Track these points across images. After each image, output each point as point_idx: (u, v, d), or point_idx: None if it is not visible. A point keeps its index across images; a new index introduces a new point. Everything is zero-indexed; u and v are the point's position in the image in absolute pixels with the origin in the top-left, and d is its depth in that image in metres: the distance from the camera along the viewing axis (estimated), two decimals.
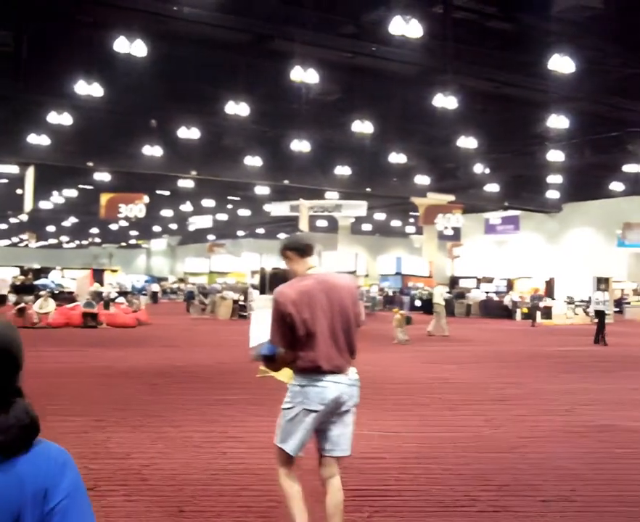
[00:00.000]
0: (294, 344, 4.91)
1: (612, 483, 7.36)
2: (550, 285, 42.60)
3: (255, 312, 17.08)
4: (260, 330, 6.04)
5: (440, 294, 29.35)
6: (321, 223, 77.61)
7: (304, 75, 28.32)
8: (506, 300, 42.38)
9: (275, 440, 5.06)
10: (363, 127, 37.22)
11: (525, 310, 39.05)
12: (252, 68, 29.50)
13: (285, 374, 5.70)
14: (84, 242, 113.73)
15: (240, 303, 37.53)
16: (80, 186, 59.76)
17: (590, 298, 39.84)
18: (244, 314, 35.80)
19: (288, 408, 5.01)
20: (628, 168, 48.34)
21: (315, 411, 4.85)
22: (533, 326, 31.58)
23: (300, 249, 5.23)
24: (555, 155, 44.16)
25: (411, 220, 78.03)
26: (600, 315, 24.38)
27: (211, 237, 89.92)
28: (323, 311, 4.91)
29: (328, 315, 4.93)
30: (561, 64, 27.18)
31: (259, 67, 29.66)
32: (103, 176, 49.96)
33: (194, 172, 48.31)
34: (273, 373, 6.54)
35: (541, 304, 34.47)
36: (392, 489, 6.97)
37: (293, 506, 4.87)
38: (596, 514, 6.38)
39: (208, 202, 67.75)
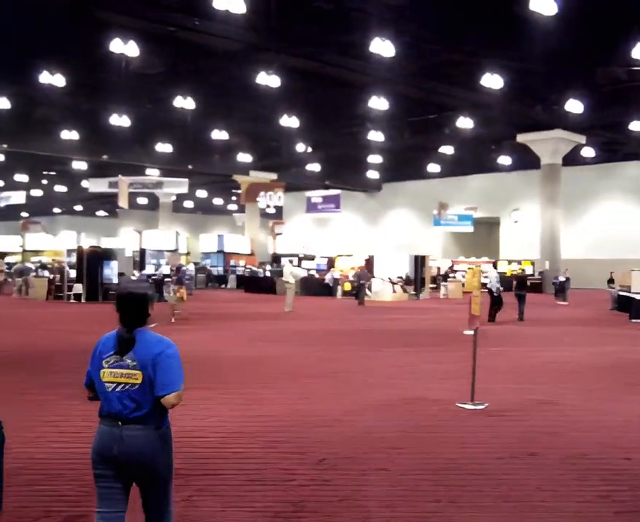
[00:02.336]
0: None
1: (422, 452, 7.62)
2: (369, 263, 43.58)
3: None
4: None
5: (290, 272, 29.36)
6: (142, 201, 75.90)
7: (124, 47, 27.29)
8: (327, 278, 42.96)
9: None
10: (185, 103, 36.51)
11: (347, 287, 39.72)
12: (68, 37, 27.95)
13: None
14: None
15: (57, 283, 35.83)
16: None
17: (407, 275, 41.21)
18: (61, 294, 34.25)
19: None
20: (444, 150, 50.35)
21: None
22: (360, 304, 31.93)
23: None
24: (375, 136, 45.23)
25: (234, 198, 77.80)
26: (491, 293, 25.07)
27: (25, 214, 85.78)
28: None
29: None
30: (382, 47, 27.70)
31: (76, 35, 28.14)
32: None
33: (4, 145, 45.79)
34: None
35: (366, 282, 34.98)
36: (212, 468, 6.92)
37: None
38: (411, 482, 6.57)
39: (21, 177, 64.43)
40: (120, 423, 3.96)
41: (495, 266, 23.87)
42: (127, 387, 3.98)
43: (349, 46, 29.68)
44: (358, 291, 34.34)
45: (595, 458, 7.43)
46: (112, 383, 4.00)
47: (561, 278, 39.43)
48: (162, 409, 4.04)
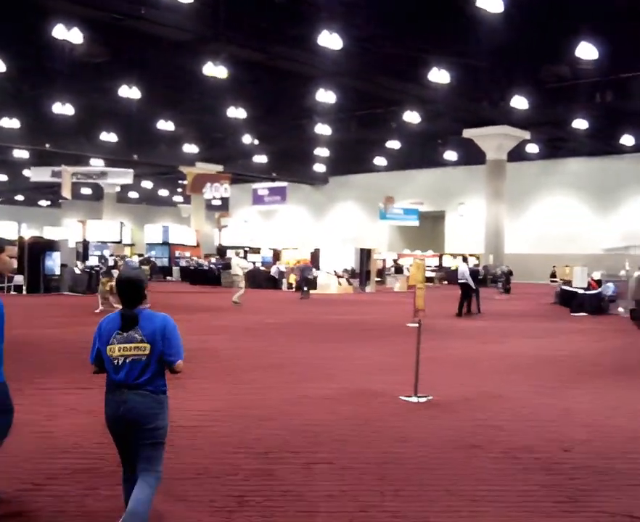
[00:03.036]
0: None
1: (366, 445, 7.63)
2: (315, 256, 43.63)
3: None
4: None
5: (237, 264, 29.21)
6: (86, 191, 74.83)
7: (67, 34, 26.79)
8: (273, 271, 42.87)
9: None
10: (130, 92, 36.05)
11: (292, 280, 39.70)
12: (9, 21, 27.31)
13: None
14: None
15: None
16: None
17: (352, 268, 41.35)
18: (2, 285, 33.59)
19: None
20: (391, 144, 50.62)
21: None
22: (303, 298, 31.92)
23: None
24: (323, 129, 45.27)
25: (179, 190, 77.20)
26: (463, 286, 25.16)
27: None
28: None
29: None
30: (331, 40, 27.72)
31: (17, 20, 27.54)
32: None
33: None
34: None
35: (310, 276, 34.94)
36: None
37: None
38: (355, 475, 6.57)
39: None
40: (125, 390, 4.60)
41: (465, 260, 24.03)
42: (135, 358, 4.61)
43: (298, 38, 29.63)
44: (302, 284, 34.30)
45: (536, 450, 7.51)
46: (122, 356, 4.62)
47: (504, 269, 39.97)
48: (161, 377, 4.73)
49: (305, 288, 33.17)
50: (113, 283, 24.06)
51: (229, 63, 31.04)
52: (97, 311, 22.19)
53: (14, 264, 27.78)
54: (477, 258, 49.57)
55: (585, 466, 6.98)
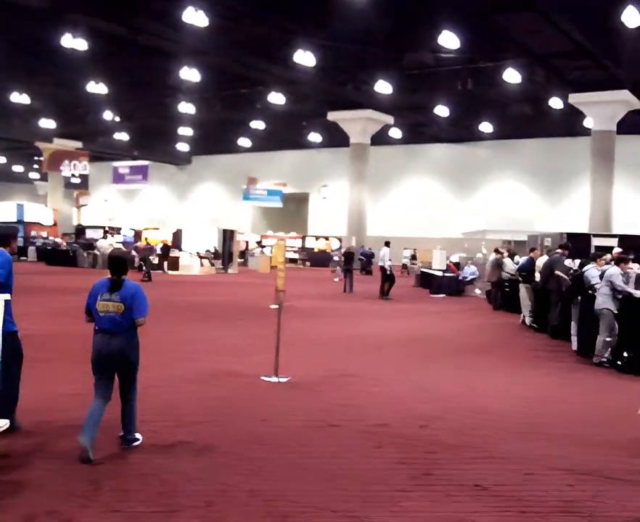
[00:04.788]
0: None
1: (226, 425, 7.64)
2: (177, 236, 43.01)
3: None
4: None
5: (109, 245, 28.64)
6: None
7: None
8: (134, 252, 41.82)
9: None
10: None
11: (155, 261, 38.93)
12: None
13: None
14: None
15: None
16: None
17: (215, 249, 41.05)
18: None
19: None
20: (256, 125, 50.44)
21: None
22: (146, 280, 30.06)
23: None
24: (186, 108, 44.61)
25: (36, 166, 74.23)
26: (383, 270, 25.06)
27: None
28: None
29: None
30: (196, 17, 27.23)
31: None
32: None
33: None
34: None
35: (150, 255, 33.54)
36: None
37: None
38: (215, 455, 6.55)
39: None
40: (108, 336, 6.47)
41: (387, 244, 24.21)
42: (114, 313, 6.46)
43: (162, 13, 28.94)
44: (144, 265, 32.50)
45: (393, 427, 7.69)
46: (105, 311, 6.48)
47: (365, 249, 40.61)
48: (134, 327, 6.58)
49: (147, 269, 31.57)
50: None
51: (89, 35, 30.00)
52: None
53: None
54: (340, 240, 50.14)
55: (439, 442, 7.22)
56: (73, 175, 59.84)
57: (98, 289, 6.57)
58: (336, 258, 40.06)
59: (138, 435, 6.80)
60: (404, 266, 42.58)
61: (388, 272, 25.04)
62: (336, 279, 34.74)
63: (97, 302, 6.49)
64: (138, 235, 48.56)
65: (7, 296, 6.48)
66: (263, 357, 11.09)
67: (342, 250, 36.31)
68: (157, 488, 5.66)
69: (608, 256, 14.32)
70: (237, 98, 43.80)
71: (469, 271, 29.09)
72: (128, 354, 6.58)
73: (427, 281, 30.13)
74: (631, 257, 13.99)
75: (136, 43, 31.94)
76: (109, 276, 6.56)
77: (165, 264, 38.19)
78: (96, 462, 6.16)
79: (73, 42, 29.84)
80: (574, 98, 37.25)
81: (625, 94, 36.41)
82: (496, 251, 23.07)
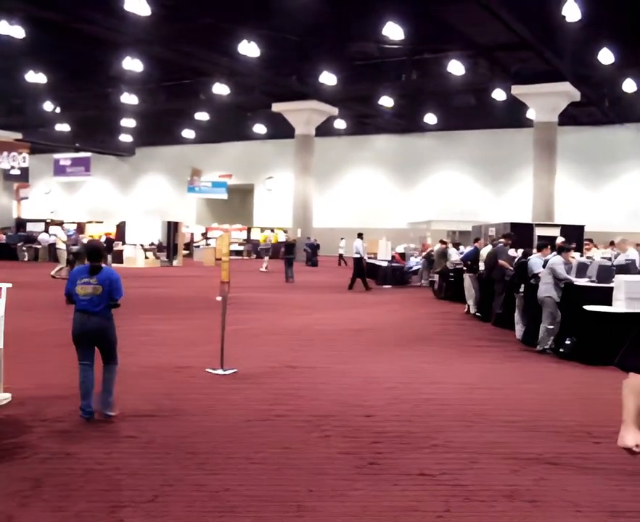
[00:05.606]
0: None
1: (171, 418, 7.60)
2: (121, 229, 42.48)
3: None
4: None
5: (59, 237, 28.08)
6: None
7: None
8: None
9: None
10: None
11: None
12: None
13: None
14: None
15: None
16: None
17: (159, 242, 40.68)
18: None
19: None
20: (200, 116, 50.03)
21: None
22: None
23: None
24: (129, 98, 44.01)
25: None
26: (356, 261, 24.89)
27: None
28: None
29: None
30: (138, 6, 26.86)
31: None
32: None
33: None
34: None
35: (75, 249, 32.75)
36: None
37: None
38: (160, 449, 6.47)
39: None
40: (87, 314, 7.26)
41: (360, 236, 24.16)
42: (92, 295, 7.27)
43: (103, 1, 28.43)
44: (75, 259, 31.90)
45: (339, 418, 7.69)
46: (84, 293, 7.27)
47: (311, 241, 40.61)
48: (109, 308, 7.41)
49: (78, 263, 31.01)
50: None
51: (27, 22, 29.36)
52: None
53: None
54: (285, 231, 50.01)
55: (384, 431, 7.25)
56: (13, 167, 58.52)
57: (77, 275, 7.46)
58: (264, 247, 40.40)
59: (111, 412, 7.42)
60: (340, 256, 42.60)
61: (365, 264, 25.27)
62: (262, 268, 35.10)
63: (77, 286, 7.28)
64: (81, 228, 47.80)
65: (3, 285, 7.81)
66: (209, 349, 11.01)
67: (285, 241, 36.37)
68: (100, 484, 5.56)
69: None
70: (181, 89, 43.39)
71: (413, 261, 29.31)
72: (106, 331, 7.42)
73: (373, 272, 30.25)
74: (573, 246, 14.23)
75: (77, 31, 31.41)
76: (88, 262, 7.46)
77: (109, 257, 37.68)
78: (38, 461, 6.04)
79: (10, 29, 29.17)
80: (516, 90, 37.75)
81: (566, 86, 36.99)
82: (441, 242, 23.28)
